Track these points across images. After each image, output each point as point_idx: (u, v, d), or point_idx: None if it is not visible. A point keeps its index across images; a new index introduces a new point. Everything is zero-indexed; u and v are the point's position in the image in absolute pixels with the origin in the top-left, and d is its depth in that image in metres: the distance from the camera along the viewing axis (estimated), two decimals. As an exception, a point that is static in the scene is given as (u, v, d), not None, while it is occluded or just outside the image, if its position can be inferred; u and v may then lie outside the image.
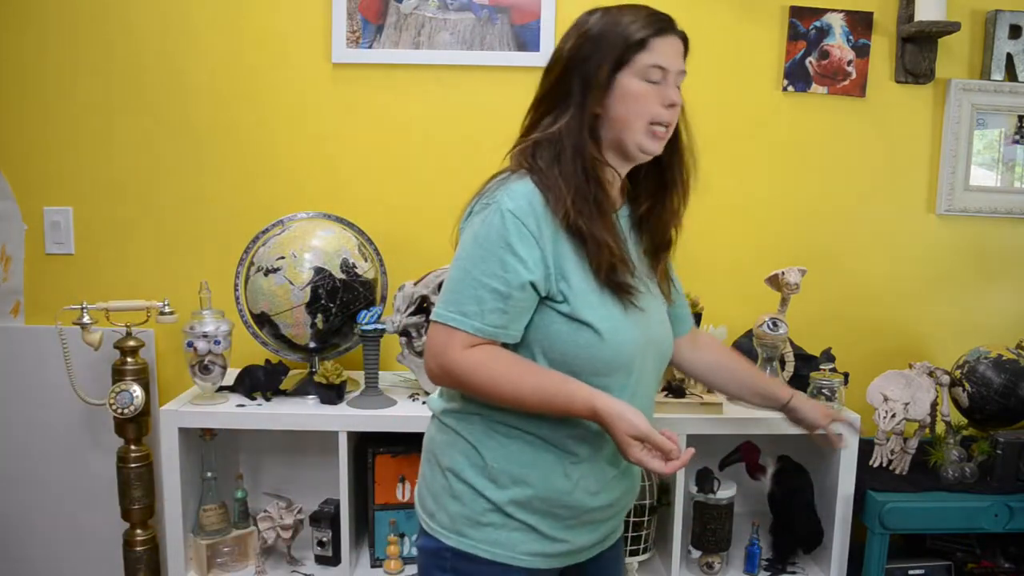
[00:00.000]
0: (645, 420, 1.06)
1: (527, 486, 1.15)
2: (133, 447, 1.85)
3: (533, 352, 1.13)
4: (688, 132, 1.25)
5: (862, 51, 2.01)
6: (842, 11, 2.00)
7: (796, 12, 1.99)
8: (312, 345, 1.79)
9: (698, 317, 1.76)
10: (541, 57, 1.96)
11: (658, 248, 1.25)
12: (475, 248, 1.10)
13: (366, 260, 1.82)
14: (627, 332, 1.13)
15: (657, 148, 1.17)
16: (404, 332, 1.78)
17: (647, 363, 1.20)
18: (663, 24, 1.15)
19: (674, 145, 1.22)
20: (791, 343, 1.88)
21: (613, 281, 1.12)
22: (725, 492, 1.77)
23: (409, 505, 1.79)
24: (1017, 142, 2.08)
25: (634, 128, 1.14)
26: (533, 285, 1.09)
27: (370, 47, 1.97)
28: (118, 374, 1.83)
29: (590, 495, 1.17)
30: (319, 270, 1.73)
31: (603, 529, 1.25)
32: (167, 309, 1.82)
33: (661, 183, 1.24)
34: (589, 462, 1.16)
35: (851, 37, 2.00)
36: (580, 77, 1.13)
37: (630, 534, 1.74)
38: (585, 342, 1.10)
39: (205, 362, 1.71)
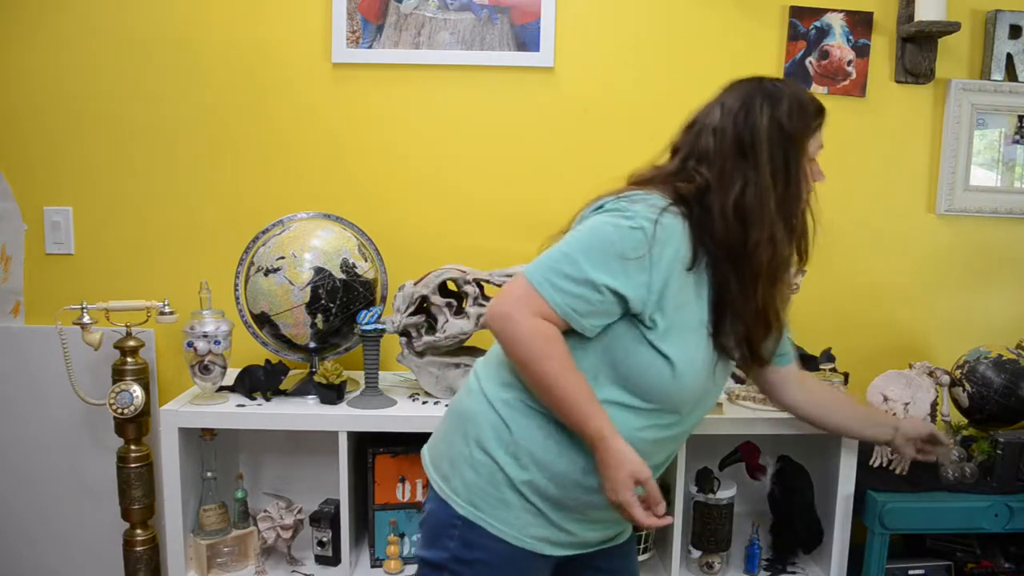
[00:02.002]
0: (647, 468, 1.10)
1: (546, 472, 1.16)
2: (133, 447, 1.85)
3: (604, 358, 1.15)
4: None
5: (862, 51, 2.01)
6: (842, 11, 2.00)
7: (796, 12, 1.99)
8: (312, 345, 1.79)
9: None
10: (541, 57, 1.97)
11: None
12: (591, 237, 1.12)
13: (366, 260, 1.82)
14: (698, 382, 1.16)
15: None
16: (404, 332, 1.78)
17: (696, 412, 1.24)
18: (823, 108, 1.21)
19: None
20: (791, 343, 1.87)
21: (733, 349, 1.18)
22: (725, 492, 1.77)
23: (410, 505, 1.80)
24: (1017, 142, 2.08)
25: (797, 205, 1.19)
26: (624, 298, 1.11)
27: (370, 47, 1.97)
28: (118, 374, 1.83)
29: (602, 497, 1.16)
30: (319, 270, 1.73)
31: (611, 529, 1.26)
32: (167, 309, 1.82)
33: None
34: None
35: (851, 37, 2.00)
36: (777, 154, 1.15)
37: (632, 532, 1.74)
38: (657, 371, 1.13)
39: (205, 362, 1.71)
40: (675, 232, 1.12)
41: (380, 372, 1.79)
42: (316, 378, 1.75)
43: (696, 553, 1.80)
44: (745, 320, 1.17)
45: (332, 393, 1.73)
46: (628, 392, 1.15)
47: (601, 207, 1.16)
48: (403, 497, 1.80)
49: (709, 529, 1.77)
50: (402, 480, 1.80)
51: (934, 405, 1.78)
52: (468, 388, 1.26)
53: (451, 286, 1.81)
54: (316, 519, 1.81)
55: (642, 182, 1.21)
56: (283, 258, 1.73)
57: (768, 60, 2.02)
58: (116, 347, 1.84)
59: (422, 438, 1.37)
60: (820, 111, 1.21)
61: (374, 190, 2.01)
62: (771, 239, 1.14)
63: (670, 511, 1.73)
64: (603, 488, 1.12)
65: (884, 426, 1.52)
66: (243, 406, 1.72)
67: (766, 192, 1.14)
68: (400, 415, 1.69)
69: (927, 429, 1.52)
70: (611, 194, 1.18)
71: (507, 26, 1.97)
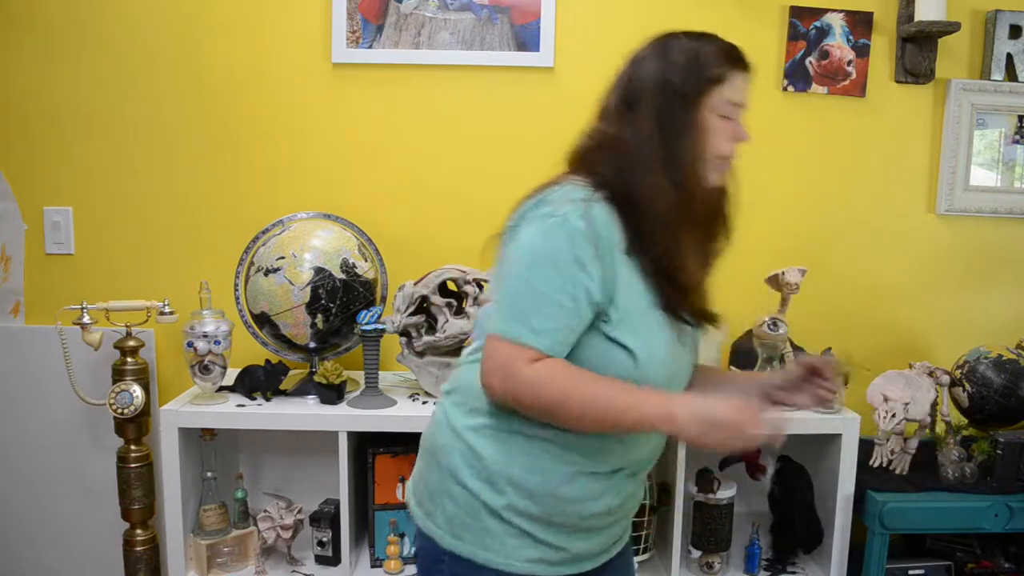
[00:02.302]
0: (724, 411, 1.02)
1: (523, 492, 1.12)
2: (133, 447, 1.85)
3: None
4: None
5: (862, 51, 2.01)
6: (842, 11, 2.00)
7: (796, 12, 1.99)
8: (312, 345, 1.79)
9: (698, 317, 1.76)
10: (541, 57, 1.97)
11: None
12: (541, 263, 1.06)
13: (366, 260, 1.82)
14: (662, 363, 1.11)
15: (717, 181, 1.18)
16: (404, 332, 1.78)
17: (677, 383, 1.20)
18: (741, 59, 1.16)
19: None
20: (791, 343, 1.88)
21: (683, 313, 1.13)
22: (725, 492, 1.77)
23: (409, 505, 1.80)
24: (1017, 142, 2.08)
25: (703, 163, 1.14)
26: (595, 301, 1.07)
27: (370, 47, 1.96)
28: (118, 374, 1.83)
29: (591, 502, 1.15)
30: (319, 270, 1.73)
31: (604, 537, 1.22)
32: (167, 309, 1.82)
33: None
34: (595, 470, 1.14)
35: (851, 37, 2.00)
36: (661, 106, 1.12)
37: (630, 534, 1.74)
38: (619, 364, 1.09)
39: (205, 362, 1.71)
40: (605, 219, 1.08)
41: (380, 372, 1.79)
42: (316, 378, 1.75)
43: (696, 553, 1.80)
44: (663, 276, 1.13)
45: (332, 393, 1.73)
46: None
47: (522, 218, 1.11)
48: (403, 497, 1.79)
49: (709, 529, 1.77)
50: (402, 480, 1.80)
51: (934, 405, 1.79)
52: (436, 421, 1.22)
53: (451, 286, 1.81)
54: (316, 519, 1.81)
55: (571, 163, 1.19)
56: (283, 258, 1.73)
57: (768, 60, 2.02)
58: (116, 347, 1.84)
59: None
60: (725, 64, 1.14)
61: (374, 190, 2.01)
62: (655, 189, 1.09)
63: (670, 511, 1.74)
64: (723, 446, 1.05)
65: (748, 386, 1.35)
66: (243, 406, 1.72)
67: (647, 143, 1.11)
68: (400, 415, 1.69)
69: (798, 369, 1.26)
70: (525, 199, 1.14)
71: (507, 26, 1.97)
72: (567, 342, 1.07)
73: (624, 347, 1.08)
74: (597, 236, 1.06)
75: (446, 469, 1.16)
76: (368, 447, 1.78)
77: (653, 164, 1.10)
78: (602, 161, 1.14)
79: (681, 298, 1.12)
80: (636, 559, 1.76)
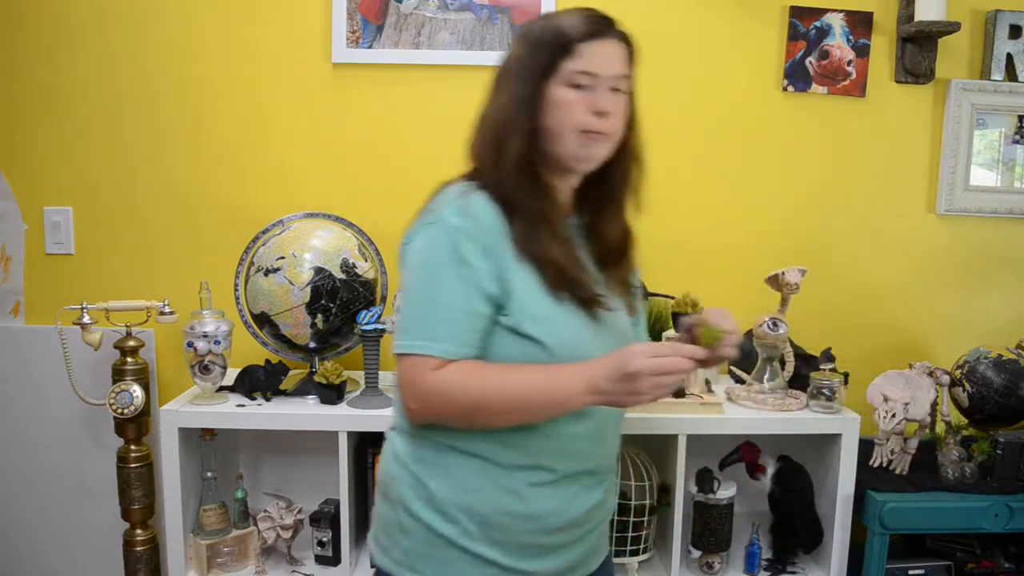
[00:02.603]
0: (634, 358, 0.97)
1: (476, 517, 1.08)
2: (133, 447, 1.85)
3: None
4: (635, 139, 1.19)
5: (862, 51, 2.01)
6: (842, 11, 2.00)
7: (796, 12, 1.99)
8: (312, 345, 1.79)
9: (698, 317, 1.76)
10: (541, 57, 1.97)
11: (606, 258, 1.20)
12: (428, 270, 1.06)
13: (366, 260, 1.82)
14: (578, 344, 1.07)
15: (591, 155, 1.13)
16: (404, 332, 1.78)
17: None
18: (594, 27, 1.09)
19: (619, 152, 1.17)
20: (791, 343, 1.88)
21: (571, 292, 1.09)
22: (725, 492, 1.77)
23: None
24: (1017, 142, 2.08)
25: (565, 139, 1.10)
26: (493, 297, 1.05)
27: (370, 47, 1.96)
28: (118, 374, 1.83)
29: (551, 517, 1.11)
30: (319, 270, 1.73)
31: (572, 554, 1.16)
32: (167, 309, 1.82)
33: (606, 192, 1.20)
34: (546, 482, 1.10)
35: (851, 37, 2.00)
36: (518, 87, 1.10)
37: (630, 534, 1.74)
38: (532, 358, 1.05)
39: (205, 362, 1.71)
40: (483, 208, 1.06)
41: (380, 372, 1.78)
42: (316, 378, 1.75)
43: (696, 553, 1.80)
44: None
45: (332, 393, 1.73)
46: None
47: (412, 233, 1.11)
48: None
49: (709, 529, 1.77)
50: (402, 480, 1.79)
51: (934, 405, 1.78)
52: (384, 454, 1.20)
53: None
54: (316, 519, 1.81)
55: (446, 182, 1.17)
56: (283, 258, 1.73)
57: (768, 60, 2.02)
58: (116, 347, 1.84)
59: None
60: (573, 34, 1.08)
61: (374, 190, 2.01)
62: (513, 167, 1.08)
63: (670, 511, 1.74)
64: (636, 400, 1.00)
65: None
66: (243, 406, 1.72)
67: (505, 120, 1.10)
68: (400, 415, 1.69)
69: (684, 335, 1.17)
70: (418, 213, 1.14)
71: (507, 26, 1.97)
72: (471, 343, 1.05)
73: (532, 339, 1.05)
74: (478, 228, 1.05)
75: (397, 501, 1.13)
76: (368, 447, 1.78)
77: (512, 140, 1.09)
78: (476, 146, 1.14)
79: (559, 279, 1.08)
80: (636, 559, 1.76)
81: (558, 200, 1.15)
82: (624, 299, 1.21)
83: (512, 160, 1.09)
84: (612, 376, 0.99)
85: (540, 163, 1.12)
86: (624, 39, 1.13)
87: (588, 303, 1.10)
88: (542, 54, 1.09)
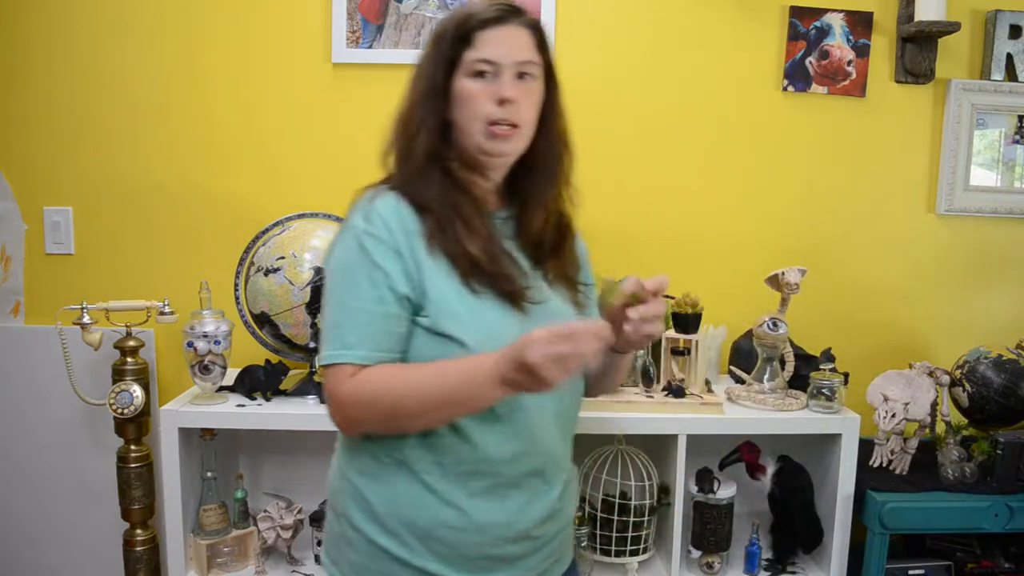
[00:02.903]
0: (529, 350, 0.89)
1: (419, 532, 1.05)
2: (133, 447, 1.85)
3: None
4: (558, 127, 1.16)
5: (862, 51, 2.01)
6: (842, 11, 2.00)
7: (796, 12, 1.99)
8: (312, 345, 1.79)
9: (698, 317, 1.76)
10: (541, 57, 1.97)
11: (538, 252, 1.15)
12: (341, 278, 1.04)
13: (366, 260, 1.82)
14: (502, 340, 0.99)
15: (501, 150, 1.09)
16: (404, 332, 1.78)
17: None
18: (493, 14, 1.07)
19: (543, 142, 1.14)
20: (791, 343, 1.88)
21: (491, 287, 1.05)
22: (725, 492, 1.77)
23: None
24: (1017, 142, 2.08)
25: (472, 131, 1.07)
26: (408, 298, 1.03)
27: (370, 47, 1.96)
28: (118, 374, 1.83)
29: (498, 528, 1.07)
30: (319, 270, 1.72)
31: (528, 566, 1.12)
32: (167, 309, 1.82)
33: (531, 183, 1.15)
34: (486, 490, 1.07)
35: (851, 37, 2.00)
36: (423, 82, 1.09)
37: (630, 534, 1.74)
38: (453, 356, 1.01)
39: (205, 362, 1.71)
40: (391, 208, 1.05)
41: (380, 372, 1.78)
42: (316, 378, 1.75)
43: (696, 553, 1.80)
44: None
45: (332, 393, 1.73)
46: None
47: (332, 243, 1.10)
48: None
49: (709, 529, 1.77)
50: (402, 480, 1.79)
51: (934, 405, 1.79)
52: (331, 467, 1.18)
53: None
54: (316, 519, 1.81)
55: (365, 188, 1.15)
56: (283, 258, 1.73)
57: (768, 60, 2.02)
58: (116, 347, 1.84)
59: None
60: (469, 23, 1.06)
61: (374, 190, 2.01)
62: (421, 162, 1.07)
63: (670, 511, 1.74)
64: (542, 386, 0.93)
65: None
66: (243, 406, 1.72)
67: (412, 116, 1.09)
68: (400, 415, 1.69)
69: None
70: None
71: (507, 26, 1.96)
72: (387, 347, 1.02)
73: (452, 339, 1.02)
74: (386, 230, 1.03)
75: (341, 514, 1.12)
76: (368, 447, 1.78)
77: (419, 136, 1.08)
78: (388, 145, 1.13)
79: (475, 274, 1.05)
80: (636, 559, 1.76)
81: (476, 195, 1.12)
82: (568, 294, 1.17)
83: (420, 157, 1.08)
84: (513, 367, 0.92)
85: (454, 158, 1.11)
86: (529, 24, 1.10)
87: (511, 297, 1.06)
88: (443, 46, 1.08)
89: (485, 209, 1.12)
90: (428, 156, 1.08)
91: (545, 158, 1.15)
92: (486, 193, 1.14)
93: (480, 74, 1.06)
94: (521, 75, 1.08)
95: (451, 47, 1.07)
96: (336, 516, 1.13)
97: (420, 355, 1.04)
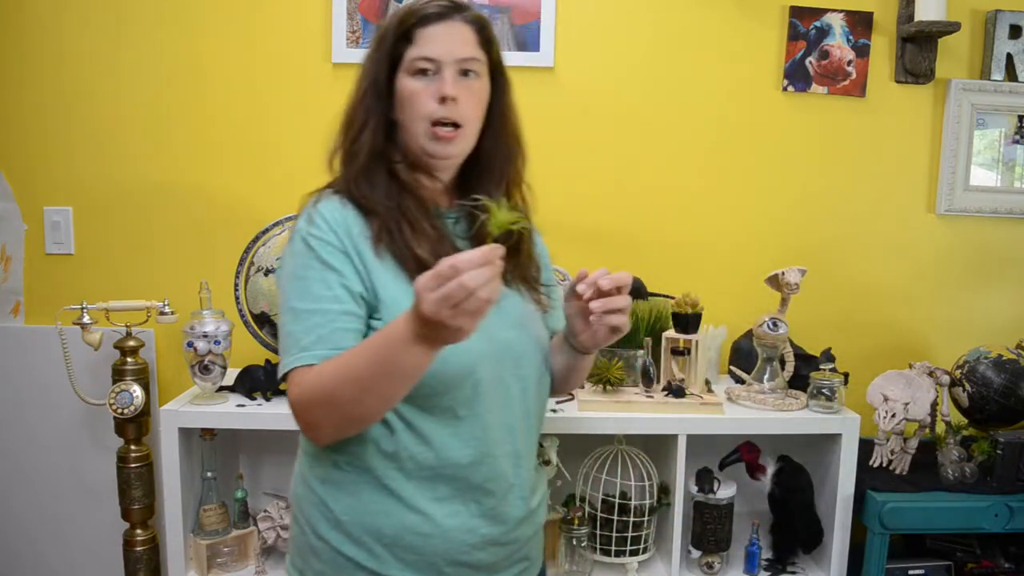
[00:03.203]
0: (421, 302, 0.83)
1: (384, 539, 1.03)
2: (133, 447, 1.85)
3: None
4: (508, 125, 1.14)
5: (862, 51, 2.01)
6: (842, 11, 2.00)
7: (796, 12, 1.99)
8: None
9: (698, 317, 1.76)
10: (541, 57, 1.97)
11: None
12: (292, 285, 1.02)
13: (366, 260, 1.82)
14: (464, 350, 0.96)
15: (445, 152, 1.07)
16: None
17: (500, 371, 1.07)
18: (434, 11, 1.05)
19: (492, 140, 1.13)
20: (791, 343, 1.88)
21: None
22: (725, 492, 1.77)
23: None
24: (1017, 142, 2.08)
25: (416, 132, 1.06)
26: (363, 298, 1.01)
27: (370, 47, 1.96)
28: (118, 374, 1.83)
29: (464, 534, 1.05)
30: (319, 270, 1.72)
31: (495, 572, 1.10)
32: (167, 309, 1.81)
33: (482, 183, 1.13)
34: (453, 497, 1.05)
35: (851, 37, 2.00)
36: (366, 82, 1.08)
37: (630, 534, 1.74)
38: None
39: (205, 362, 1.71)
40: (335, 212, 1.03)
41: (380, 372, 1.78)
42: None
43: (696, 553, 1.80)
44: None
45: (332, 393, 1.73)
46: (403, 406, 1.01)
47: (282, 254, 1.08)
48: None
49: (709, 529, 1.77)
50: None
51: (934, 405, 1.79)
52: (294, 473, 1.16)
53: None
54: (316, 519, 1.81)
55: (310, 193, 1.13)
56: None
57: (768, 60, 2.02)
58: (116, 347, 1.84)
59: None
60: (408, 21, 1.05)
61: (374, 190, 2.01)
62: (366, 163, 1.06)
63: (670, 511, 1.74)
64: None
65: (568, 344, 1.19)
66: (243, 406, 1.72)
67: (351, 109, 1.09)
68: (400, 415, 1.69)
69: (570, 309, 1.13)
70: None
71: (507, 26, 1.97)
72: (344, 345, 0.97)
73: None
74: (332, 232, 1.02)
75: (305, 523, 1.09)
76: (368, 447, 1.78)
77: (362, 137, 1.07)
78: (335, 146, 1.12)
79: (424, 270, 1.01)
80: (636, 559, 1.76)
81: (423, 195, 1.09)
82: (529, 294, 1.15)
83: (364, 157, 1.07)
84: (419, 323, 0.85)
85: (399, 159, 1.09)
86: (472, 20, 1.08)
87: None
88: (385, 44, 1.06)
89: (435, 210, 1.10)
90: (372, 157, 1.07)
91: (495, 157, 1.13)
92: (435, 193, 1.12)
93: (422, 72, 1.05)
94: (464, 72, 1.06)
95: (393, 45, 1.05)
96: (300, 526, 1.11)
97: None
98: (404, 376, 0.92)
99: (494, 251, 0.83)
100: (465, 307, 0.81)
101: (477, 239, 1.06)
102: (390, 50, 1.06)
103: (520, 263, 1.15)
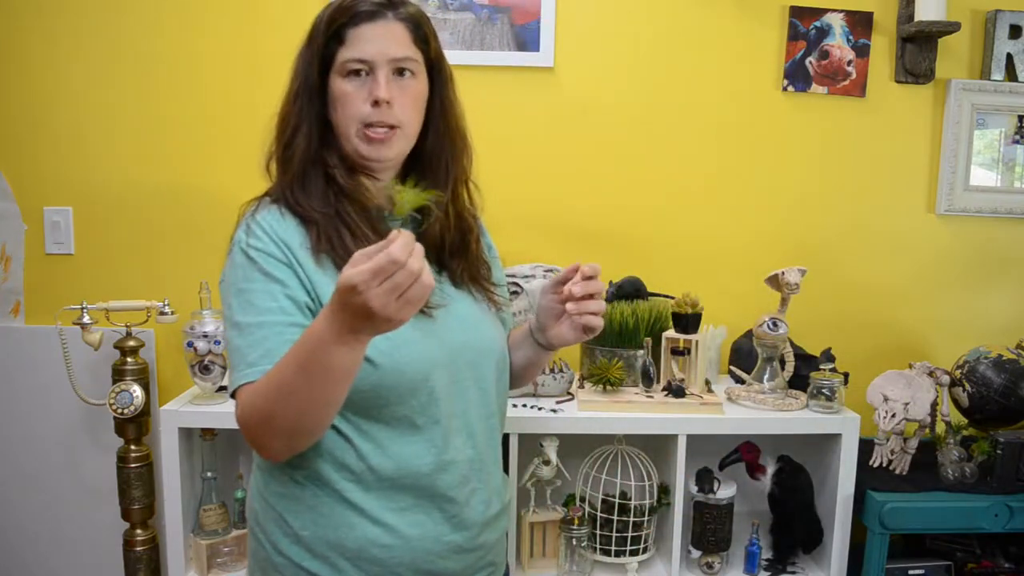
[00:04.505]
0: (346, 274, 0.79)
1: (347, 553, 1.01)
2: (133, 447, 1.85)
3: None
4: (450, 123, 1.11)
5: (862, 51, 2.01)
6: (842, 11, 2.00)
7: (796, 12, 1.99)
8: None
9: (698, 317, 1.76)
10: (541, 57, 1.97)
11: (439, 252, 1.09)
12: (235, 298, 0.99)
13: (366, 260, 1.82)
14: (409, 349, 0.97)
15: (379, 155, 1.04)
16: (404, 332, 1.77)
17: (456, 376, 1.05)
18: (364, 9, 1.01)
19: (433, 138, 1.10)
20: (791, 343, 1.88)
21: None
22: (725, 492, 1.77)
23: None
24: (1017, 142, 2.08)
25: (348, 135, 1.03)
26: (309, 308, 0.98)
27: (370, 47, 1.96)
28: (118, 374, 1.83)
29: (428, 542, 1.03)
30: (319, 270, 1.72)
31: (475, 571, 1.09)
32: (167, 309, 1.82)
33: (425, 182, 1.07)
34: (415, 505, 1.03)
35: (851, 37, 2.00)
36: (296, 83, 1.04)
37: (630, 534, 1.74)
38: (362, 374, 0.93)
39: (205, 362, 1.71)
40: (273, 222, 1.00)
41: (380, 372, 1.78)
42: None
43: (696, 553, 1.80)
44: None
45: (332, 393, 1.72)
46: (359, 409, 0.99)
47: (224, 267, 1.06)
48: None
49: (709, 529, 1.77)
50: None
51: (934, 405, 1.79)
52: (250, 487, 1.13)
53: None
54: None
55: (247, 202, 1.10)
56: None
57: (768, 60, 2.02)
58: (116, 347, 1.84)
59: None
60: (338, 21, 1.01)
61: (374, 190, 2.01)
62: (298, 169, 1.02)
63: (670, 511, 1.74)
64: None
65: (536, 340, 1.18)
66: (243, 406, 1.71)
67: (283, 112, 1.06)
68: (400, 415, 1.69)
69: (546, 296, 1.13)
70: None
71: (507, 26, 1.97)
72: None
73: None
74: (272, 243, 0.99)
75: (265, 539, 1.06)
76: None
77: (295, 142, 1.03)
78: (270, 150, 1.08)
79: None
80: (636, 559, 1.76)
81: (363, 200, 1.04)
82: (478, 294, 1.13)
83: (298, 163, 1.03)
84: (340, 303, 0.81)
85: (335, 164, 1.05)
86: (405, 18, 1.04)
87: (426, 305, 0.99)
88: (315, 44, 1.02)
89: (378, 213, 1.06)
90: (306, 161, 1.03)
91: (438, 155, 1.11)
92: (378, 196, 1.07)
93: (355, 73, 1.01)
94: (399, 72, 1.03)
95: (324, 44, 1.02)
96: (259, 542, 1.07)
97: None
98: (338, 377, 0.88)
99: (408, 235, 0.79)
100: (410, 295, 0.79)
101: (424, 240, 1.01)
102: (320, 50, 1.02)
103: (469, 262, 1.13)
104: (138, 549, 1.87)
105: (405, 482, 1.02)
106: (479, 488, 1.09)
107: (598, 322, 1.06)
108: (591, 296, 1.05)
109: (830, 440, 1.75)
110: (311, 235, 1.01)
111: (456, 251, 1.12)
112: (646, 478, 1.74)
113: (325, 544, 1.01)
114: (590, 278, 1.05)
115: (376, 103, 1.01)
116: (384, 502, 1.02)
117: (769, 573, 1.82)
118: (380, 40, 1.01)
